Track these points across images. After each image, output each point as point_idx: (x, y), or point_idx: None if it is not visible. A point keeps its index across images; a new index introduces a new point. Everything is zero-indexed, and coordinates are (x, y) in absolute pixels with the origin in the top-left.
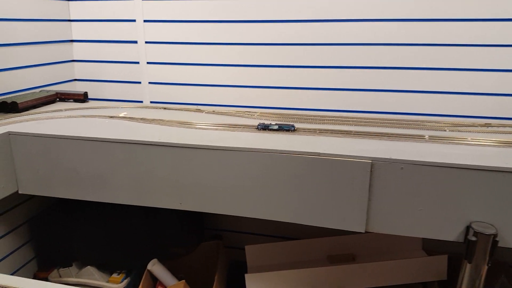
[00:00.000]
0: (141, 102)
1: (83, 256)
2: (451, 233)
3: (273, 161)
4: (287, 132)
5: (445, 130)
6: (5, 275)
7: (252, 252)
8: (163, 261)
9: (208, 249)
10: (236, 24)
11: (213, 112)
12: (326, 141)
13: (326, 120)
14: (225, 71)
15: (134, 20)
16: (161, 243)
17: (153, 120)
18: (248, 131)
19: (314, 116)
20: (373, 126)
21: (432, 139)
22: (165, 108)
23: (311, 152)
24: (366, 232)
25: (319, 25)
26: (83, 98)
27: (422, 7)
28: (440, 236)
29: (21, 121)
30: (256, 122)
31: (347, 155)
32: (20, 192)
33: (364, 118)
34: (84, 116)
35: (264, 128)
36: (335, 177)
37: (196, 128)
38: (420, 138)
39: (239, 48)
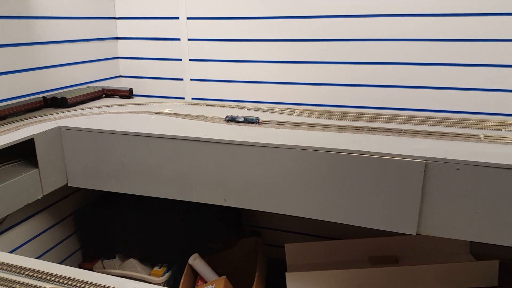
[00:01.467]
0: (183, 98)
1: (125, 248)
2: (508, 237)
3: (320, 159)
4: (325, 128)
5: (500, 130)
6: (67, 266)
7: (291, 250)
8: (203, 256)
9: (247, 246)
10: (279, 20)
11: (255, 109)
12: (375, 140)
13: (373, 118)
14: (267, 67)
15: (178, 18)
16: (201, 238)
17: (197, 116)
18: (291, 128)
19: (360, 113)
20: (424, 124)
21: (488, 138)
22: (207, 105)
23: (361, 151)
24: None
25: (366, 20)
26: (128, 94)
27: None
28: (496, 241)
29: (70, 116)
30: (299, 119)
31: (399, 155)
32: (69, 185)
33: (414, 116)
34: (130, 112)
35: (231, 120)
36: (385, 177)
37: (239, 125)
38: (475, 137)
39: (282, 44)
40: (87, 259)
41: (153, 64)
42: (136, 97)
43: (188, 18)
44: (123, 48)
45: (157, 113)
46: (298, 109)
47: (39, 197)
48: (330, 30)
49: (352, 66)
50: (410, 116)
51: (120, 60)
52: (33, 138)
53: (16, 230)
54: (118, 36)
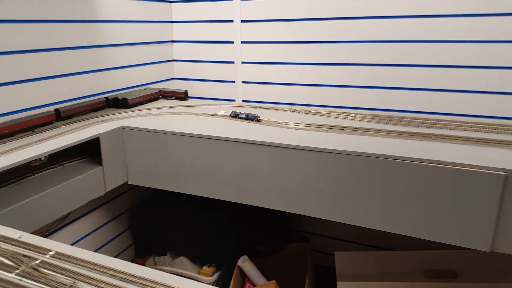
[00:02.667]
0: (234, 100)
1: (176, 246)
2: None
3: (385, 167)
4: (388, 134)
5: None
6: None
7: (342, 259)
8: (251, 258)
9: (296, 251)
10: (334, 21)
11: (310, 113)
12: (445, 148)
13: (440, 124)
14: (322, 70)
15: (232, 21)
16: (249, 240)
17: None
18: (351, 133)
19: (424, 119)
20: (498, 133)
21: None
22: (260, 107)
23: (432, 160)
24: (490, 251)
25: (432, 21)
26: (183, 96)
27: None
28: None
29: (132, 117)
30: (357, 124)
31: (476, 165)
32: (129, 182)
33: (486, 124)
34: (187, 114)
35: (235, 116)
36: (458, 188)
37: (296, 129)
38: None
39: (336, 46)
40: (140, 255)
41: (206, 67)
42: (191, 99)
43: (242, 21)
44: (178, 51)
45: (212, 115)
46: (356, 114)
47: (101, 194)
48: (391, 31)
49: (415, 68)
50: (482, 124)
51: (175, 62)
52: (98, 137)
53: (77, 224)
54: (174, 39)
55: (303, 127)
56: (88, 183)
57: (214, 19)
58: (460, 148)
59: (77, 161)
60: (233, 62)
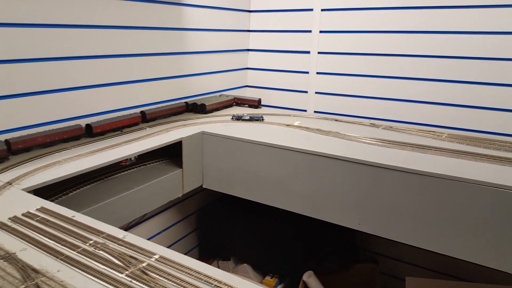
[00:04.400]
0: (305, 111)
1: (240, 253)
2: None
3: (478, 193)
4: (482, 158)
5: None
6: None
7: (413, 285)
8: (316, 274)
9: (363, 272)
10: (422, 35)
11: (391, 129)
12: None
13: None
14: (404, 84)
15: (310, 31)
16: (314, 255)
17: (329, 132)
18: (440, 155)
19: None
20: None
21: None
22: (336, 120)
23: None
24: None
25: None
26: (257, 104)
27: None
28: None
29: (209, 122)
30: (446, 145)
31: None
32: (204, 186)
33: None
34: (263, 123)
35: (238, 118)
36: None
37: (378, 145)
38: None
39: (423, 60)
40: (204, 257)
41: (279, 76)
42: (262, 107)
43: (321, 32)
44: (252, 59)
45: (287, 125)
46: (442, 133)
47: (179, 195)
48: (488, 46)
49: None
50: None
51: (248, 70)
52: (181, 141)
53: (150, 223)
54: (250, 48)
55: (386, 144)
56: (169, 184)
57: (291, 29)
58: None
59: (158, 162)
60: (307, 72)
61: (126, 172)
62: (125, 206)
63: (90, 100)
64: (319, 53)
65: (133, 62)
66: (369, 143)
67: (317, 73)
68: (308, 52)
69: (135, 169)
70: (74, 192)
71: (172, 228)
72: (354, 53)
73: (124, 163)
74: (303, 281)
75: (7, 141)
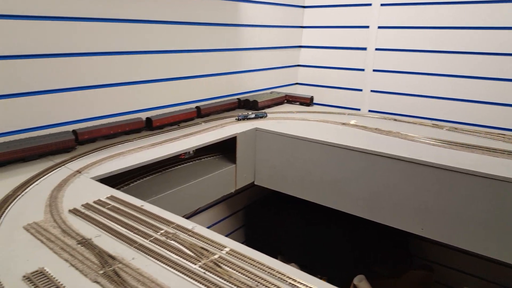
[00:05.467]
0: (359, 110)
1: (288, 251)
2: None
3: None
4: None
5: None
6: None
7: None
8: (367, 278)
9: (417, 279)
10: (493, 31)
11: (456, 130)
12: None
13: None
14: (470, 84)
15: (368, 27)
16: (365, 259)
17: (389, 132)
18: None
19: None
20: None
21: None
22: (395, 120)
23: None
24: None
25: None
26: (309, 102)
27: None
28: None
29: (262, 119)
30: None
31: None
32: (255, 183)
33: None
34: (316, 120)
35: (243, 118)
36: None
37: (444, 147)
38: None
39: (495, 59)
40: None
41: (332, 73)
42: (314, 105)
43: (379, 27)
44: (304, 56)
45: (343, 123)
46: None
47: (232, 191)
48: None
49: None
50: None
51: (299, 68)
52: (236, 136)
53: (201, 217)
54: (302, 44)
55: (452, 146)
56: (223, 179)
57: (347, 24)
58: None
59: (212, 157)
60: (363, 70)
61: (182, 165)
62: (182, 199)
63: (149, 94)
64: (376, 49)
65: (189, 58)
66: (433, 145)
67: (374, 70)
68: (364, 49)
69: (190, 163)
70: (135, 183)
71: (220, 223)
72: (414, 49)
73: (183, 156)
74: (354, 285)
75: (74, 132)
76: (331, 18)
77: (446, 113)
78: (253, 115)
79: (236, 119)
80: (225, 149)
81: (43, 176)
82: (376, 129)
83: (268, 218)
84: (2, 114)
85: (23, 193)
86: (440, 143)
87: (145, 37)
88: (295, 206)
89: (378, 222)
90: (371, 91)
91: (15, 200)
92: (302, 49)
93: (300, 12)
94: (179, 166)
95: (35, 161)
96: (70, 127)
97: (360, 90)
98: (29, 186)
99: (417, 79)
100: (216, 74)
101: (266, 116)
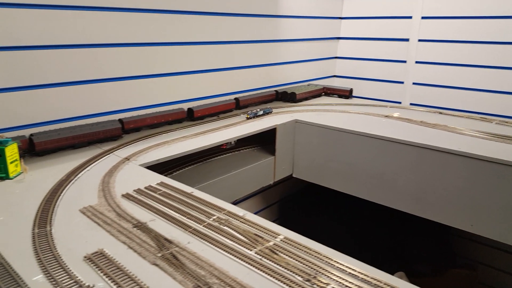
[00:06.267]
0: (399, 103)
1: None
2: None
3: None
4: None
5: None
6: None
7: None
8: (407, 276)
9: (460, 278)
10: None
11: (506, 124)
12: None
13: None
14: None
15: (410, 17)
16: (405, 256)
17: (435, 124)
18: None
19: None
20: None
21: None
22: (440, 113)
23: None
24: None
25: None
26: (348, 94)
27: None
28: None
29: (300, 111)
30: None
31: None
32: (293, 176)
33: None
34: (357, 113)
35: (254, 115)
36: None
37: (495, 141)
38: None
39: None
40: None
41: (371, 65)
42: (353, 98)
43: (422, 18)
44: (342, 48)
45: (386, 116)
46: None
47: (270, 183)
48: None
49: None
50: None
51: (337, 60)
52: (276, 128)
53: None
54: (340, 36)
55: (505, 140)
56: (262, 171)
57: (389, 15)
58: None
59: (250, 149)
60: (404, 62)
61: (222, 156)
62: (223, 189)
63: (190, 85)
64: (419, 40)
65: (228, 50)
66: (484, 138)
67: (416, 62)
68: (406, 40)
69: (230, 154)
70: (178, 172)
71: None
72: (460, 40)
73: (225, 146)
74: None
75: (120, 121)
76: (371, 8)
77: (494, 107)
78: (261, 112)
79: (247, 118)
80: (263, 141)
81: (93, 162)
82: (421, 121)
83: (303, 212)
84: (54, 102)
85: (75, 178)
86: (490, 137)
87: (188, 28)
88: (332, 199)
89: (423, 218)
90: (413, 83)
91: (69, 185)
92: (340, 40)
93: (339, 2)
94: (219, 157)
95: (84, 148)
96: (115, 116)
97: (401, 82)
98: (81, 172)
99: (463, 71)
100: (254, 66)
101: (271, 112)
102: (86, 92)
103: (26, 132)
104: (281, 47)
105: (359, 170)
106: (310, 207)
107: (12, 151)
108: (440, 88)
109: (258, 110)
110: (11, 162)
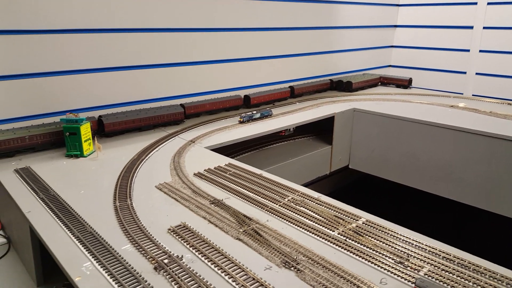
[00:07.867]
0: (461, 94)
1: None
2: None
3: None
4: None
5: None
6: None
7: None
8: None
9: None
10: None
11: None
12: None
13: None
14: None
15: (475, 3)
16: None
17: (506, 115)
18: None
19: None
20: None
21: None
22: (510, 104)
23: None
24: None
25: None
26: (406, 84)
27: None
28: None
29: (358, 100)
30: None
31: None
32: (350, 167)
33: None
34: (420, 102)
35: (249, 119)
36: None
37: None
38: None
39: None
40: None
41: (430, 54)
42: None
43: (488, 4)
44: (399, 36)
45: (451, 106)
46: None
47: (326, 173)
48: None
49: None
50: None
51: (393, 49)
52: (334, 116)
53: None
54: (397, 24)
55: None
56: (318, 160)
57: (451, 1)
58: None
59: (306, 138)
60: (467, 50)
61: (278, 144)
62: (283, 175)
63: (246, 72)
64: (484, 28)
65: (284, 36)
66: None
67: (481, 51)
68: (470, 27)
69: (285, 142)
70: (237, 157)
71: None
72: None
73: (283, 133)
74: None
75: (182, 105)
76: None
77: None
78: (258, 114)
79: (239, 121)
80: (319, 130)
81: (161, 144)
82: (490, 112)
83: (359, 204)
84: (122, 86)
85: (146, 157)
86: None
87: (246, 14)
88: (389, 192)
89: (498, 214)
90: (476, 73)
91: (142, 163)
92: (397, 28)
93: None
94: (276, 144)
95: (150, 131)
96: (175, 102)
97: (464, 72)
98: (151, 152)
99: None
100: (309, 53)
101: (272, 114)
102: (150, 76)
103: (94, 114)
104: (336, 34)
105: (422, 161)
106: (367, 199)
107: (86, 130)
108: (506, 78)
109: (255, 112)
110: (85, 141)
